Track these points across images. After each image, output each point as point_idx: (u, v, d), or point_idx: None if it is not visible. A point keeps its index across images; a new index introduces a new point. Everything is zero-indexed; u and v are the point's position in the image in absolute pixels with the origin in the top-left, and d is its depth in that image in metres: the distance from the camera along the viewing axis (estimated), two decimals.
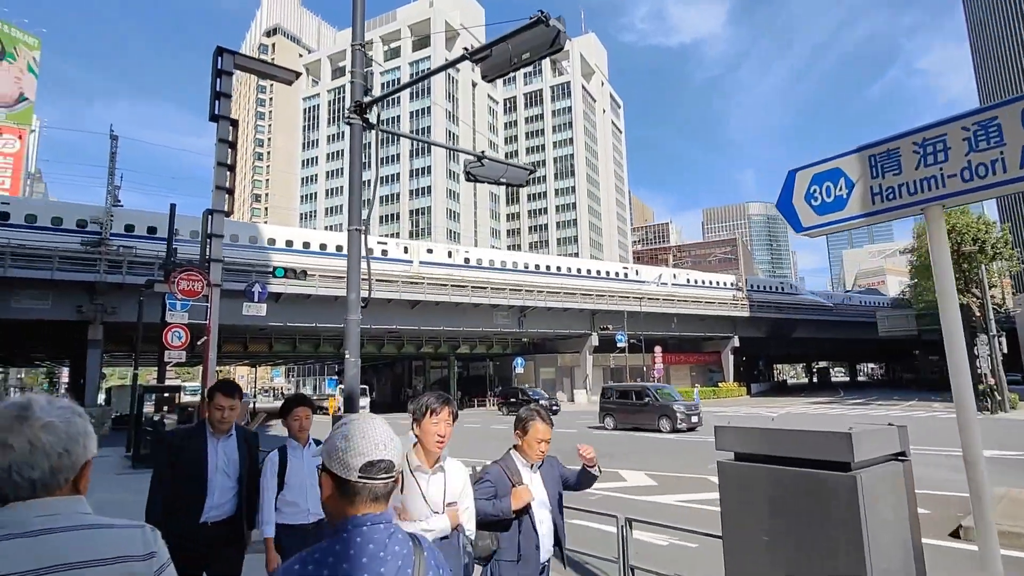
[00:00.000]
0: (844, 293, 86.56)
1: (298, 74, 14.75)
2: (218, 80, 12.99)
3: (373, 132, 7.73)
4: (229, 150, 13.21)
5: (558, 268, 49.42)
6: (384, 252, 39.50)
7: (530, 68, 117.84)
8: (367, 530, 1.25)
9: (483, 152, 8.63)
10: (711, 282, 57.50)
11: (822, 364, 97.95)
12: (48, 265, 26.30)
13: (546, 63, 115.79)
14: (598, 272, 50.98)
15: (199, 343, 11.74)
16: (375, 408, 47.35)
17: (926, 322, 42.24)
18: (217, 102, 12.99)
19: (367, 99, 7.41)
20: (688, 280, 55.89)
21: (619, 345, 41.07)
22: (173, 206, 17.06)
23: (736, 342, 52.24)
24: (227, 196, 12.99)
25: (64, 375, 65.39)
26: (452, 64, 6.62)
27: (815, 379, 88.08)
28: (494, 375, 51.66)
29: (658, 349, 42.88)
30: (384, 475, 1.29)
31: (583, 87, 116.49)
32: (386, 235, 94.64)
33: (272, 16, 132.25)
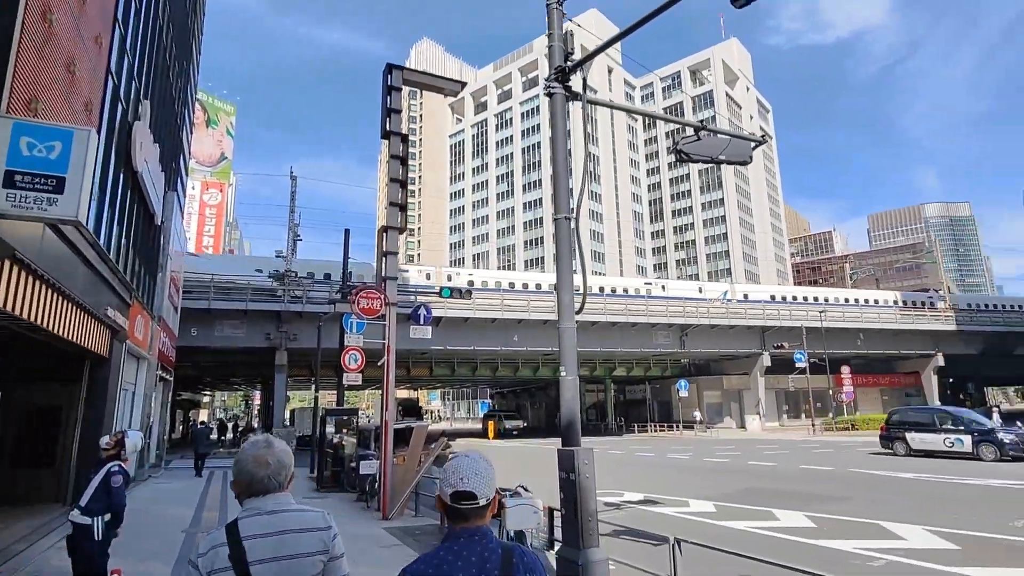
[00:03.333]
0: None
1: (463, 84, 14.33)
2: (388, 97, 12.88)
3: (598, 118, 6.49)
4: (401, 166, 13.01)
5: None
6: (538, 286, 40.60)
7: (669, 81, 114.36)
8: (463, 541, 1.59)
9: (702, 123, 7.04)
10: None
11: None
12: (242, 296, 29.10)
13: (685, 73, 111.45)
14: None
15: (379, 363, 11.33)
16: (524, 433, 46.71)
17: None
18: (388, 119, 12.84)
19: (569, 63, 6.20)
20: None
21: (798, 365, 36.34)
22: (347, 231, 17.62)
23: (940, 360, 44.20)
24: (400, 212, 12.74)
25: (256, 397, 73.41)
26: None
27: None
28: (652, 398, 48.66)
29: (845, 369, 37.38)
30: (467, 502, 1.59)
31: (727, 94, 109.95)
32: (532, 259, 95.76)
33: (419, 63, 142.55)
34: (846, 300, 49.08)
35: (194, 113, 26.14)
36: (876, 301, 49.81)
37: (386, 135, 12.83)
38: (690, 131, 7.42)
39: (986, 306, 51.30)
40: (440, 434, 12.66)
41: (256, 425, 51.42)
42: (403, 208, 12.69)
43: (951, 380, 52.46)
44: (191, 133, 25.03)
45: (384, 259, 12.19)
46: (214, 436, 43.39)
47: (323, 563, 1.77)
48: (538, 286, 43.32)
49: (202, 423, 27.96)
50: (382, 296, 11.45)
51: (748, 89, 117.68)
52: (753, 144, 7.56)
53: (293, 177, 31.32)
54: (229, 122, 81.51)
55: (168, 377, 21.92)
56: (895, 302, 50.80)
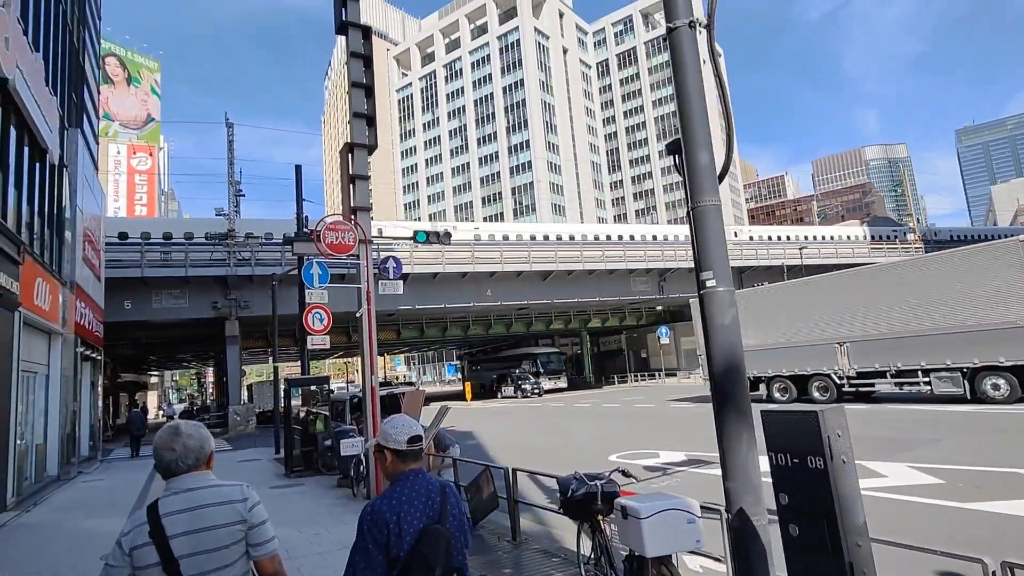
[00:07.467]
0: None
1: None
2: None
3: None
4: (364, 69, 10.27)
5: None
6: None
7: (621, 26, 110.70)
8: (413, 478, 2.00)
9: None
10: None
11: None
12: (181, 263, 25.72)
13: (637, 17, 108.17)
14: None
15: (357, 314, 8.85)
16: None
17: None
18: (344, 8, 10.05)
19: None
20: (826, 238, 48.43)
21: None
22: (298, 167, 14.67)
23: None
24: (368, 127, 10.06)
25: (209, 375, 69.25)
26: None
27: None
28: (627, 348, 47.55)
29: None
30: (416, 444, 2.01)
31: None
32: (491, 215, 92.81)
33: (360, 18, 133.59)
34: (821, 237, 48.74)
35: (99, 45, 22.06)
36: (848, 237, 49.62)
37: (342, 29, 10.03)
38: None
39: (957, 237, 51.92)
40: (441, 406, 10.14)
41: (209, 405, 48.07)
42: (371, 122, 10.03)
43: None
44: (98, 66, 21.05)
45: (352, 185, 9.57)
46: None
47: (242, 532, 1.88)
48: (505, 237, 40.91)
49: (135, 408, 26.04)
50: (353, 229, 8.88)
51: (701, 32, 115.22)
52: None
53: (229, 124, 27.60)
54: (153, 80, 74.28)
55: (96, 356, 18.77)
56: (863, 237, 50.80)
